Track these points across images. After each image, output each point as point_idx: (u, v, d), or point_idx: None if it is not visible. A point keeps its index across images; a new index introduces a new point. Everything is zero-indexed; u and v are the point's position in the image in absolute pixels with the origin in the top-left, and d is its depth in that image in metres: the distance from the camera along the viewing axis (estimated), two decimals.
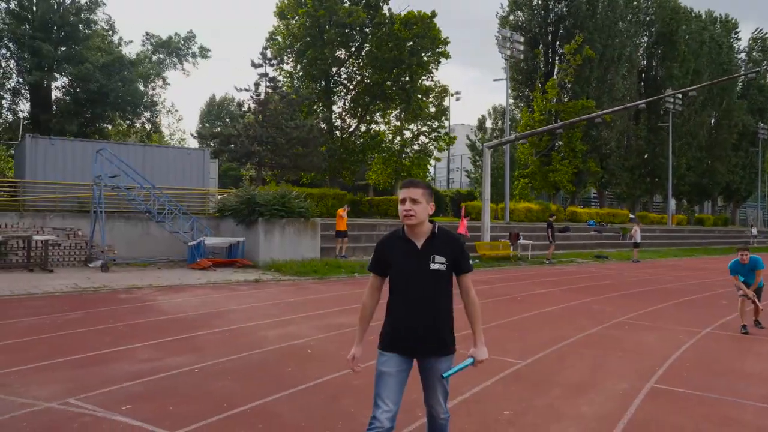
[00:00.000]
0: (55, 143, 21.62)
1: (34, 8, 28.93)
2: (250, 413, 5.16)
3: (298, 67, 35.00)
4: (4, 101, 28.52)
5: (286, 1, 34.50)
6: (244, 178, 34.16)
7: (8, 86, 28.85)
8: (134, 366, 6.64)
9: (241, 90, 28.68)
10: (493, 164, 45.41)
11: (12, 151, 31.12)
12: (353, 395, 5.68)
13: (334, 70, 35.80)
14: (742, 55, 67.16)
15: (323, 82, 36.21)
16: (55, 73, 27.72)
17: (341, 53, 35.09)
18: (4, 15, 28.20)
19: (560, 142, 43.41)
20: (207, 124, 68.02)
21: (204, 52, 33.71)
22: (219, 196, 23.39)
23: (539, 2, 46.76)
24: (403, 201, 3.38)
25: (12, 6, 28.20)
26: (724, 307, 12.19)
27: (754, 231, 51.04)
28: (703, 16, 60.82)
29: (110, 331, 8.52)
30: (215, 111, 70.25)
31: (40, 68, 26.92)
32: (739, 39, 66.05)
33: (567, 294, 14.15)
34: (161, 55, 33.31)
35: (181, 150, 25.58)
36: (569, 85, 45.17)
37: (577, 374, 6.72)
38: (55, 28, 27.80)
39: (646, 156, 52.86)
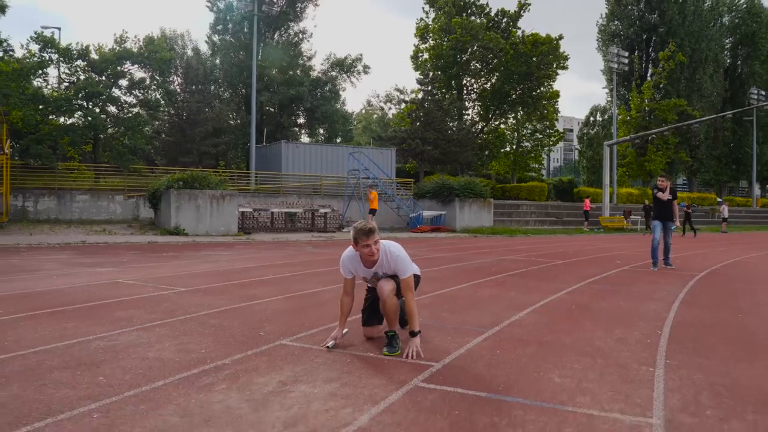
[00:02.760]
0: (299, 146, 30.75)
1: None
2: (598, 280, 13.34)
3: (441, 76, 43.30)
4: (230, 113, 38.13)
5: (431, 26, 42.85)
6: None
7: (234, 102, 38.44)
8: (495, 257, 14.93)
9: (407, 102, 37.28)
10: (596, 156, 52.61)
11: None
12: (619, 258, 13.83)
13: (467, 79, 44.01)
14: None
15: (456, 91, 44.44)
16: (271, 90, 36.99)
17: (476, 66, 43.27)
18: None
19: (654, 136, 50.21)
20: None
21: (366, 69, 42.77)
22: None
23: (636, 14, 53.55)
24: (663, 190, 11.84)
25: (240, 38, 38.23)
26: None
27: None
28: None
29: (456, 252, 16.87)
30: (363, 120, 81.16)
31: (267, 90, 36.34)
32: None
33: (706, 245, 21.83)
34: (335, 72, 42.49)
35: (378, 150, 34.38)
36: (661, 86, 51.85)
37: (753, 273, 14.64)
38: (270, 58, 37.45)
39: (732, 145, 58.83)
